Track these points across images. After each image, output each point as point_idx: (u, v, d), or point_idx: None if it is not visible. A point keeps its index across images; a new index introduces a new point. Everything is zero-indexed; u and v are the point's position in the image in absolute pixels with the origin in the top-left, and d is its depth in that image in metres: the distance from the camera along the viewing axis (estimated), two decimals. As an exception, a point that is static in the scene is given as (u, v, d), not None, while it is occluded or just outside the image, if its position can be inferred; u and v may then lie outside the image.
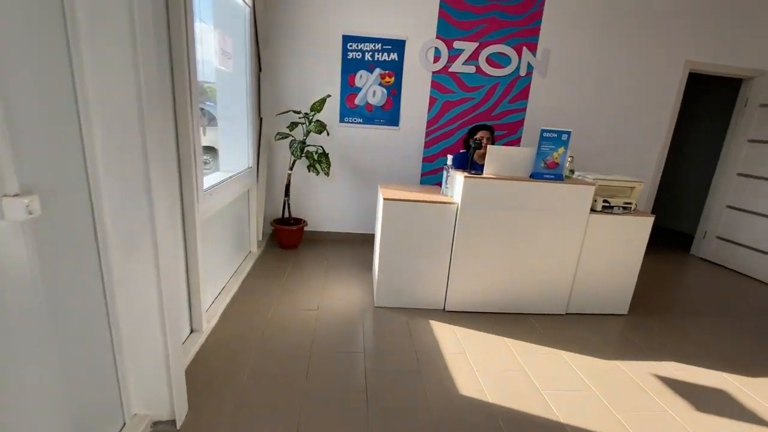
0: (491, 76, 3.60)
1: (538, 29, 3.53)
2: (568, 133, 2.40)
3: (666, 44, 3.66)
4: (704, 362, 2.25)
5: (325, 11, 3.37)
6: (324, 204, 3.82)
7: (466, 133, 3.24)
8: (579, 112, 3.76)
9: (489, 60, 3.56)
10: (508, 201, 2.44)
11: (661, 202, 5.30)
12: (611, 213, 2.55)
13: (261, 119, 3.28)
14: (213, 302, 2.43)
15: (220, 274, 2.63)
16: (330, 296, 2.73)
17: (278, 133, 3.30)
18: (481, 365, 2.08)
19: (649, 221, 2.60)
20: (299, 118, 3.28)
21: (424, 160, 3.79)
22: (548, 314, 2.69)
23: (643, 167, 3.98)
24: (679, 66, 3.71)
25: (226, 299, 2.52)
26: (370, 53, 3.49)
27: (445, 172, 2.64)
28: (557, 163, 2.45)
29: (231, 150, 3.02)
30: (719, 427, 1.75)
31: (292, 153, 3.18)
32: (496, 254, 2.54)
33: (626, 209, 2.56)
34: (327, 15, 3.38)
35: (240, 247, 3.06)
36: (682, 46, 3.67)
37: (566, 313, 2.72)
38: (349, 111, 3.62)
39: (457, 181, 2.52)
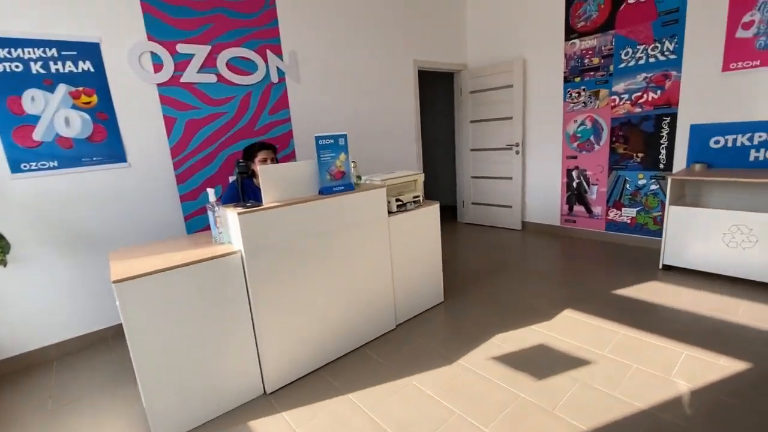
0: (239, 84, 3.01)
1: (278, 30, 3.16)
2: (344, 136, 2.10)
3: (397, 46, 3.98)
4: (515, 322, 2.43)
5: None
6: (23, 308, 2.35)
7: (242, 154, 2.56)
8: (343, 115, 3.66)
9: (231, 66, 2.95)
10: (303, 227, 1.95)
11: (427, 184, 6.04)
12: (406, 210, 2.45)
13: None
14: None
15: None
16: (62, 471, 1.57)
17: None
18: (334, 457, 1.53)
19: (436, 208, 2.65)
20: None
21: (184, 198, 2.87)
22: (381, 335, 2.39)
23: (407, 158, 4.30)
24: (409, 64, 4.13)
25: None
26: (40, 63, 2.28)
27: (210, 213, 1.90)
28: (343, 172, 2.13)
29: None
30: (559, 384, 1.82)
31: None
32: (308, 295, 2.02)
33: (416, 203, 2.51)
34: None
35: None
36: (409, 47, 4.09)
37: (397, 326, 2.50)
38: (28, 153, 2.29)
39: (230, 221, 1.84)
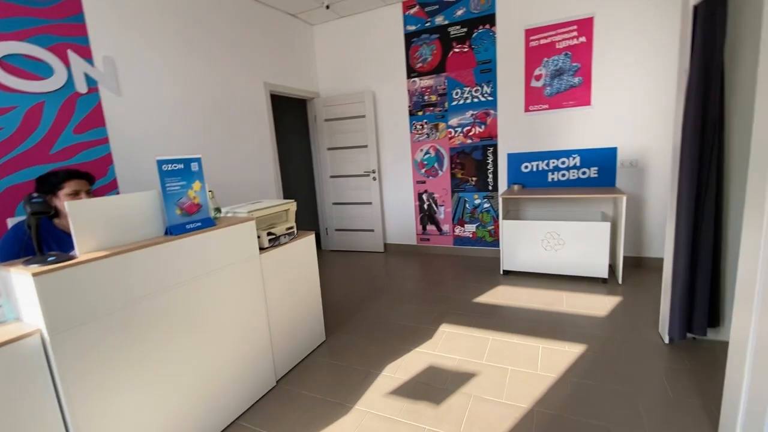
0: (23, 92, 2.18)
1: (84, 27, 2.46)
2: (198, 160, 1.71)
3: (246, 65, 3.65)
4: (401, 348, 2.39)
5: None
6: None
7: (35, 186, 1.76)
8: (183, 137, 3.09)
9: (9, 66, 2.11)
10: (144, 282, 1.46)
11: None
12: (279, 244, 2.15)
13: None
14: None
15: None
16: None
17: None
18: None
19: (311, 239, 2.43)
20: None
21: None
22: (261, 398, 1.99)
23: (266, 186, 3.94)
24: (260, 86, 3.84)
25: None
26: None
27: (-27, 278, 1.22)
28: (199, 205, 1.71)
29: None
30: (455, 405, 1.81)
31: None
32: (157, 373, 1.50)
33: (291, 235, 2.25)
34: None
35: None
36: (259, 69, 3.80)
37: (277, 382, 2.13)
38: None
39: (18, 286, 1.22)
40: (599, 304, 2.83)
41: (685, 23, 1.95)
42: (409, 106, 4.29)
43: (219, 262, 1.75)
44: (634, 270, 3.47)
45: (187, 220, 1.66)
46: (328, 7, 4.02)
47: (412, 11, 4.08)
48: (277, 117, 4.33)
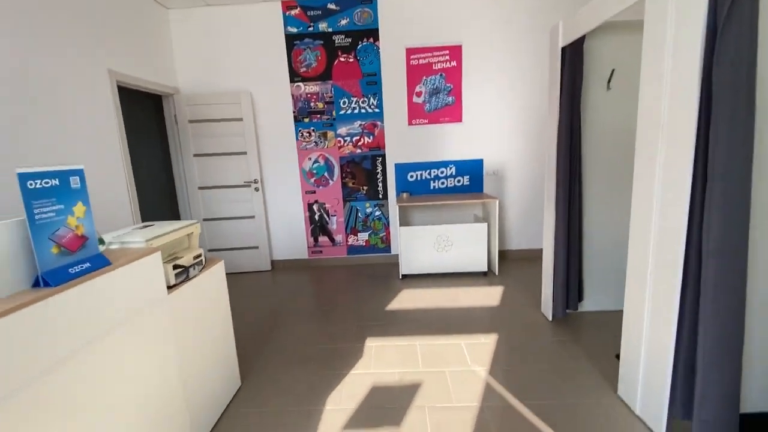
0: None
1: None
2: (80, 173, 1.19)
3: (84, 46, 2.74)
4: (333, 375, 2.20)
5: None
6: None
7: None
8: (-14, 138, 2.12)
9: None
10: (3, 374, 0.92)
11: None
12: (188, 279, 1.69)
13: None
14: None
15: None
16: None
17: None
18: None
19: (221, 267, 2.01)
20: None
21: None
22: (177, 484, 1.52)
23: (115, 201, 3.06)
24: (104, 75, 2.97)
25: None
26: None
27: None
28: (84, 237, 1.19)
29: None
30: (414, 421, 1.77)
31: None
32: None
33: (200, 265, 1.80)
34: None
35: None
36: (102, 53, 2.92)
37: (194, 454, 1.66)
38: None
39: None
40: (489, 295, 3.23)
41: (554, 60, 2.42)
42: (294, 112, 4.04)
43: (113, 315, 1.26)
44: (502, 261, 4.10)
45: (70, 261, 1.13)
46: (193, -10, 3.42)
47: (293, 12, 3.86)
48: (126, 114, 3.42)
